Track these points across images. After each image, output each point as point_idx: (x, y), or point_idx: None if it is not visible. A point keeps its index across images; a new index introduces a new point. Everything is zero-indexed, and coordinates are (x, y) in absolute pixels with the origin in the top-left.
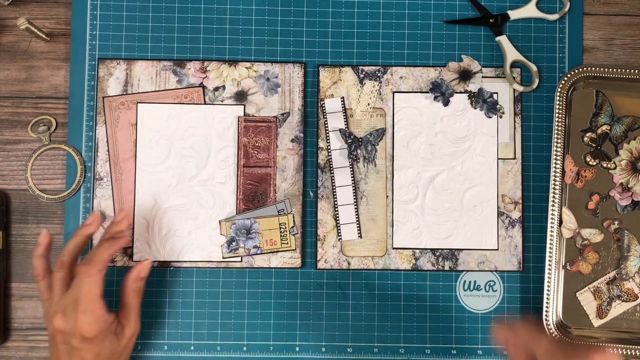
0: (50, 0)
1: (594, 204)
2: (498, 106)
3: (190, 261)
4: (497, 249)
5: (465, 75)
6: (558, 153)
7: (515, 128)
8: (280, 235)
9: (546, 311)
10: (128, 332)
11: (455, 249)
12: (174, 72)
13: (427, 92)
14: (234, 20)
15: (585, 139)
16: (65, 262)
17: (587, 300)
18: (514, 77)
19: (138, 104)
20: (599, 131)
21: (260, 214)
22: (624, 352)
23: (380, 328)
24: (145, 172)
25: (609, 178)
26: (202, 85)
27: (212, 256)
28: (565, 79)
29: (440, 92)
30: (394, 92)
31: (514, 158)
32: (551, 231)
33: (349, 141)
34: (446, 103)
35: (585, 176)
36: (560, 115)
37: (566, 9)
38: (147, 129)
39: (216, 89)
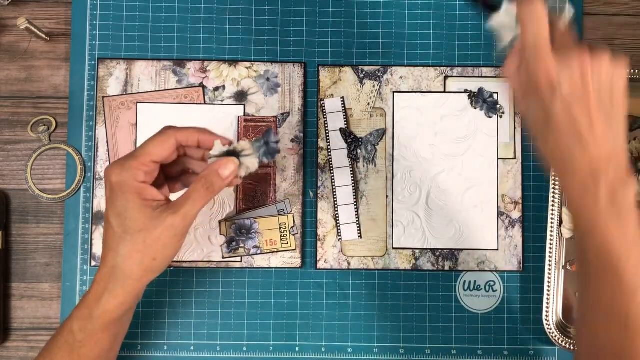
0: (50, 0)
1: None
2: (498, 106)
3: (190, 261)
4: (497, 249)
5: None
6: None
7: (515, 128)
8: (280, 235)
9: (546, 311)
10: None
11: (455, 249)
12: (174, 72)
13: (427, 92)
14: (234, 20)
15: None
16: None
17: None
18: None
19: (138, 104)
20: None
21: (260, 214)
22: None
23: (380, 328)
24: None
25: None
26: (202, 85)
27: (212, 256)
28: None
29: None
30: (394, 92)
31: (514, 158)
32: (551, 231)
33: (349, 141)
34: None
35: None
36: None
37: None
38: (147, 129)
39: (216, 89)
